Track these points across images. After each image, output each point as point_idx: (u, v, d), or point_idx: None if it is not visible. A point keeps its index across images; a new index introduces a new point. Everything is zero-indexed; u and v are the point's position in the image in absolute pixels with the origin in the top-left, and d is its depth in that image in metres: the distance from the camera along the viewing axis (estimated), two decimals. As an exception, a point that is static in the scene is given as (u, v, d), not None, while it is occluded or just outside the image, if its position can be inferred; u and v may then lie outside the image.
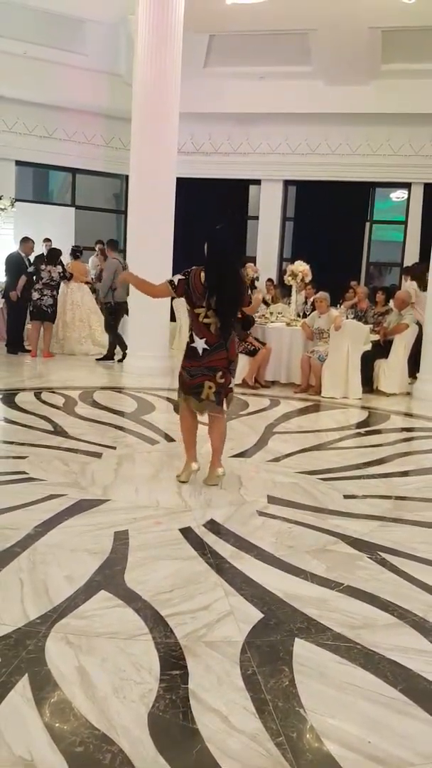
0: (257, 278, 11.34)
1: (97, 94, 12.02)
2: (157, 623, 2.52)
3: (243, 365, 7.80)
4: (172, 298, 5.48)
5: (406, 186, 13.01)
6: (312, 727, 1.97)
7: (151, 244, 8.06)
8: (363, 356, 7.41)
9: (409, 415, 6.68)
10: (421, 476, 4.60)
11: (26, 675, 2.15)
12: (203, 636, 2.45)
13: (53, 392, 6.89)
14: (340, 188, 12.85)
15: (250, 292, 9.24)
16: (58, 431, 5.33)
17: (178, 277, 4.04)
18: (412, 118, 11.71)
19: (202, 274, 3.93)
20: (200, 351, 4.01)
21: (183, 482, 4.14)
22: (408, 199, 13.03)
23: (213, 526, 3.50)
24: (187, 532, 3.40)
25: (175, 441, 5.20)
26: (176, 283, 4.01)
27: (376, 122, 12.09)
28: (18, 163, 12.70)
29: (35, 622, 2.47)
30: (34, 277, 9.24)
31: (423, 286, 8.17)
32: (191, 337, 4.07)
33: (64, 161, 12.99)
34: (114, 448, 4.93)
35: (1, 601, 2.63)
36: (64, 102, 12.07)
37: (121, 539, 3.28)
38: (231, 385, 4.15)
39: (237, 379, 7.71)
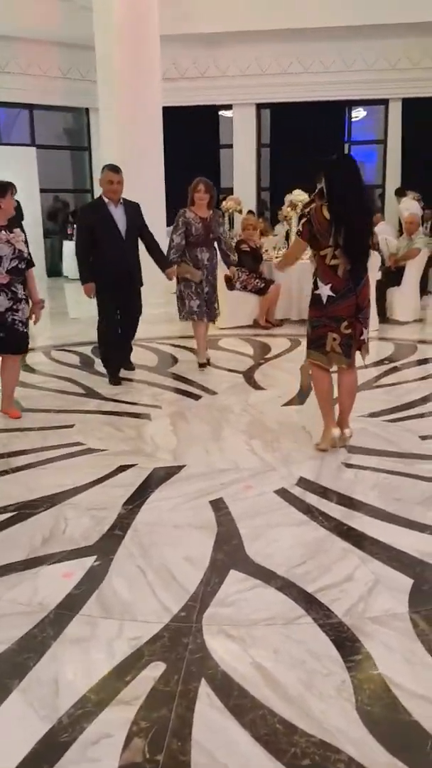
0: (239, 211, 10.87)
1: (51, 19, 11.04)
2: (309, 603, 2.34)
3: (253, 305, 7.53)
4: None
5: (384, 102, 12.53)
6: None
7: (140, 183, 7.55)
8: (376, 285, 7.17)
9: (433, 343, 6.55)
10: None
11: (203, 680, 1.96)
12: (364, 612, 2.28)
13: (63, 350, 6.51)
14: (315, 108, 12.29)
15: (228, 227, 8.85)
16: (90, 393, 5.01)
17: (302, 222, 3.80)
18: (387, 29, 11.11)
19: (324, 209, 3.54)
20: (324, 299, 3.61)
21: (322, 450, 3.73)
22: (386, 116, 12.57)
23: (307, 484, 3.31)
24: (284, 494, 3.21)
25: (217, 393, 4.95)
26: (301, 229, 3.71)
27: (348, 36, 11.46)
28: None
29: (180, 616, 2.27)
30: None
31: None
32: (315, 283, 3.66)
33: (19, 96, 12.07)
34: (159, 407, 4.65)
35: (130, 594, 2.41)
36: (14, 31, 11.07)
37: (220, 509, 3.07)
38: (364, 337, 3.69)
39: (248, 320, 7.46)
